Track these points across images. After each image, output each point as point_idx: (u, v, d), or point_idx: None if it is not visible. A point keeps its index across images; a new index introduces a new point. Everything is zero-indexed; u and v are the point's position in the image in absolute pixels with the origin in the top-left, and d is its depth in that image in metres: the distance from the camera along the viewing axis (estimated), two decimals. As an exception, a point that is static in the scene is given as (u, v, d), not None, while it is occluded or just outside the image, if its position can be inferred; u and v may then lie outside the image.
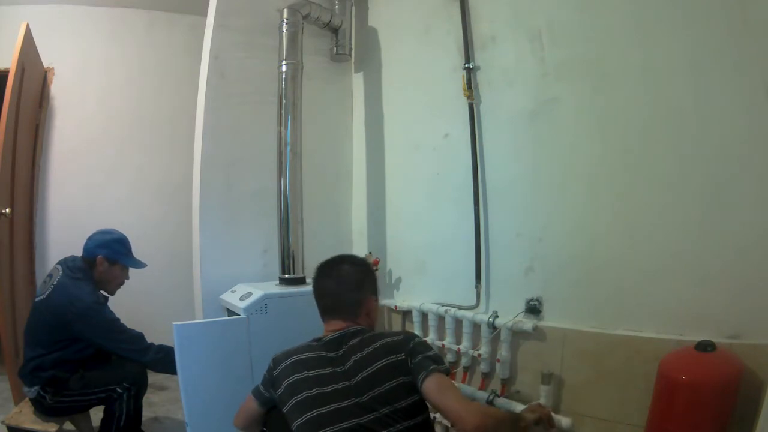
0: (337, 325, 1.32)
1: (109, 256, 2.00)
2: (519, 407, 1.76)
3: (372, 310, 1.39)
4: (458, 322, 2.06)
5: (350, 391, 1.19)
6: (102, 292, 2.05)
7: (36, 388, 1.83)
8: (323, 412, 1.17)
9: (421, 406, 1.19)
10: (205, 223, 2.23)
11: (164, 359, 1.93)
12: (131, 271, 2.16)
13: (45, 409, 1.87)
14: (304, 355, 1.29)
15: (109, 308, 1.96)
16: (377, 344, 1.25)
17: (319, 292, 1.38)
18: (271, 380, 1.32)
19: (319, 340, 1.33)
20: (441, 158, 2.27)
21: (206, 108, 2.25)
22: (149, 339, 2.00)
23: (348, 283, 1.36)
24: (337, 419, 1.15)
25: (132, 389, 1.90)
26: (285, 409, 1.24)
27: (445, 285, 2.23)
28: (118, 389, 1.88)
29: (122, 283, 2.10)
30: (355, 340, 1.27)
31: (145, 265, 2.13)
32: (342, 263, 1.39)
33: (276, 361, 1.32)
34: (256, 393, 1.37)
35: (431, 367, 1.17)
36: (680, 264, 1.57)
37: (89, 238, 2.04)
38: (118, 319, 1.94)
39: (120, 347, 1.91)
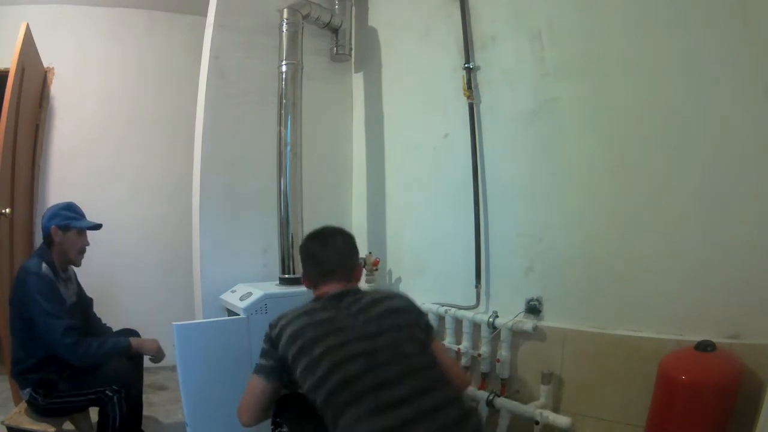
0: (335, 285, 1.33)
1: (59, 224, 1.95)
2: (519, 407, 1.76)
3: (360, 275, 1.46)
4: (458, 322, 2.06)
5: (356, 326, 1.21)
6: (72, 268, 2.02)
7: (28, 390, 1.82)
8: (332, 343, 1.16)
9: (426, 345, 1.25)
10: (205, 223, 2.23)
11: (101, 351, 1.83)
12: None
13: (40, 410, 1.86)
14: (303, 309, 1.29)
15: (54, 285, 1.83)
16: (378, 296, 1.31)
17: (316, 259, 1.38)
18: (271, 342, 1.27)
19: (316, 300, 1.34)
20: (441, 158, 2.27)
21: (206, 108, 2.25)
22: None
23: (344, 252, 1.40)
24: (346, 346, 1.16)
25: (122, 391, 1.85)
26: (290, 354, 1.20)
27: (445, 285, 2.23)
28: (107, 392, 1.83)
29: (83, 250, 2.01)
30: (357, 295, 1.30)
31: (100, 226, 2.02)
32: (335, 235, 1.42)
33: (272, 325, 1.29)
34: (259, 369, 1.29)
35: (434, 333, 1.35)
36: (680, 264, 1.57)
37: (42, 217, 1.99)
38: (63, 301, 1.84)
39: (50, 333, 1.74)
